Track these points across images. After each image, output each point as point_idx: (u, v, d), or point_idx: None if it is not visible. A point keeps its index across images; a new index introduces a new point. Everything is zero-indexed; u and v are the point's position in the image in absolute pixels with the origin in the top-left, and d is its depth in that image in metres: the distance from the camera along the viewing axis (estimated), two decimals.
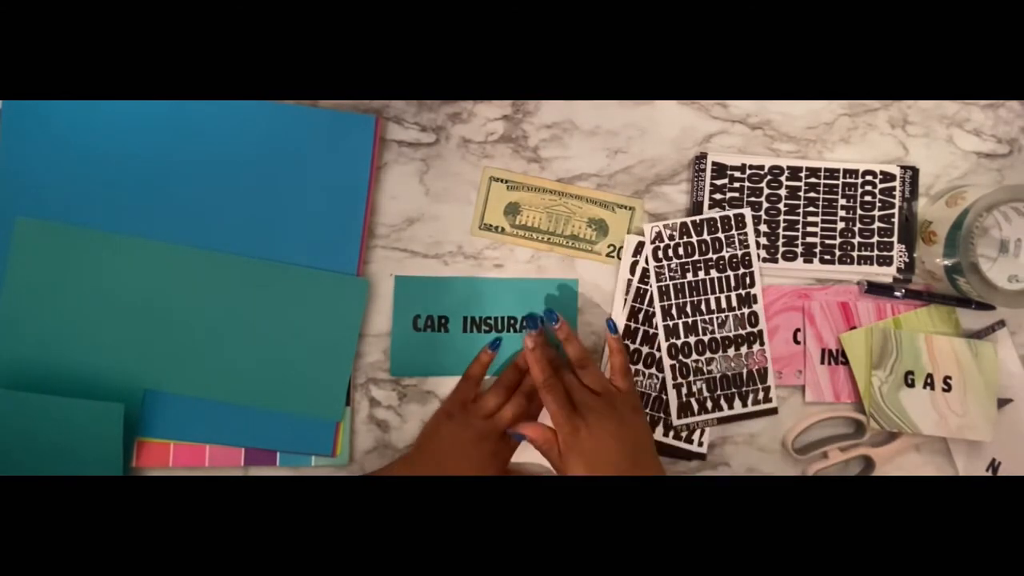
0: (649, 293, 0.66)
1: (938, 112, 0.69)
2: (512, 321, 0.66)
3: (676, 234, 0.65)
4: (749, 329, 0.66)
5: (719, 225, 0.66)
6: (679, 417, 0.66)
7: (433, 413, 0.65)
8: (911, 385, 0.66)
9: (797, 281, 0.68)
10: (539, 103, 0.67)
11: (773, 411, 0.66)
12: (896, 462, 0.68)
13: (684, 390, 0.66)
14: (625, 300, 0.66)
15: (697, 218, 0.66)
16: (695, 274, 0.66)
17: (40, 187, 0.63)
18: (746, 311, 0.66)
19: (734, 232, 0.66)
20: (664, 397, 0.66)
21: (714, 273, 0.66)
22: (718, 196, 0.67)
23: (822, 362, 0.67)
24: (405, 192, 0.67)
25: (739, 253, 0.66)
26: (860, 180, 0.67)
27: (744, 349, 0.66)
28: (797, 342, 0.67)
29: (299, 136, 0.64)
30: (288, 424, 0.64)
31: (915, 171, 0.67)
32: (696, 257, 0.66)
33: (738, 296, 0.66)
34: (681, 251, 0.66)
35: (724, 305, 0.66)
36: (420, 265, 0.66)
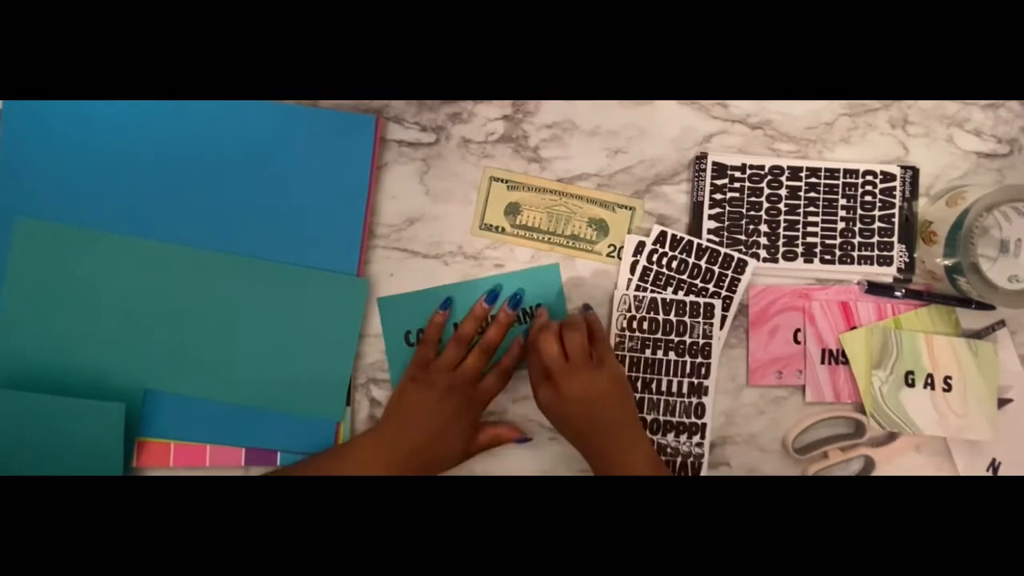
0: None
1: (938, 112, 0.69)
2: None
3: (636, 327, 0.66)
4: (693, 420, 0.66)
5: (675, 298, 0.66)
6: None
7: (426, 344, 0.64)
8: (911, 385, 0.66)
9: (797, 281, 0.68)
10: (539, 103, 0.67)
11: None
12: (896, 462, 0.68)
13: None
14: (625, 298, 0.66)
15: (645, 310, 0.66)
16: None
17: (40, 187, 0.63)
18: (695, 400, 0.66)
19: (700, 319, 0.66)
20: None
21: (673, 356, 0.66)
22: (718, 196, 0.67)
23: (822, 362, 0.67)
24: (405, 192, 0.67)
25: (700, 342, 0.66)
26: (860, 180, 0.67)
27: (683, 439, 0.66)
28: (797, 342, 0.67)
29: (299, 136, 0.64)
30: (288, 424, 0.64)
31: (915, 171, 0.67)
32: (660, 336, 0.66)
33: (689, 383, 0.66)
34: (646, 326, 0.66)
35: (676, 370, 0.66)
36: (420, 265, 0.66)
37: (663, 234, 0.66)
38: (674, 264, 0.66)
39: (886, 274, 0.67)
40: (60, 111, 0.63)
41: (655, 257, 0.66)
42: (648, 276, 0.66)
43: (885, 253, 0.67)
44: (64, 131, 0.63)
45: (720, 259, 0.66)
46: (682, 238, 0.66)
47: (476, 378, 0.63)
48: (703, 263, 0.66)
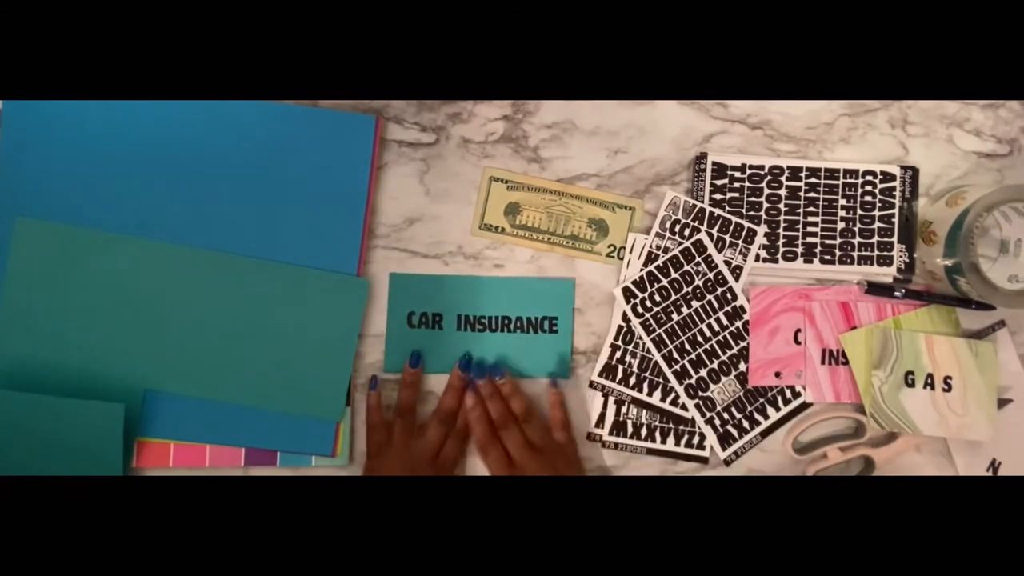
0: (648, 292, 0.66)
1: (938, 112, 0.69)
2: (506, 321, 0.66)
3: (647, 285, 0.65)
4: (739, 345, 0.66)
5: (682, 260, 0.66)
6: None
7: (373, 429, 0.64)
8: (911, 385, 0.66)
9: (797, 281, 0.68)
10: (539, 103, 0.67)
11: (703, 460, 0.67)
12: (896, 462, 0.68)
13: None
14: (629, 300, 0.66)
15: (660, 262, 0.66)
16: (679, 312, 0.66)
17: (40, 187, 0.63)
18: (739, 323, 0.66)
19: (699, 259, 0.66)
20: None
21: (695, 304, 0.66)
22: (718, 196, 0.67)
23: (822, 362, 0.67)
24: (405, 192, 0.67)
25: (711, 275, 0.66)
26: (860, 180, 0.67)
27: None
28: (797, 342, 0.67)
29: (299, 136, 0.64)
30: (288, 424, 0.64)
31: (915, 171, 0.67)
32: (674, 297, 0.66)
33: (725, 314, 0.66)
34: (657, 298, 0.66)
35: (717, 327, 0.66)
36: (420, 265, 0.66)
37: (630, 290, 0.66)
38: (656, 297, 0.66)
39: (886, 274, 0.67)
40: (60, 111, 0.63)
41: (639, 307, 0.66)
42: (655, 259, 0.66)
43: (885, 253, 0.67)
44: (64, 131, 0.63)
45: (682, 259, 0.66)
46: (643, 275, 0.66)
47: (436, 452, 0.63)
48: (674, 274, 0.66)
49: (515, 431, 0.62)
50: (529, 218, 0.67)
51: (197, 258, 0.63)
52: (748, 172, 0.67)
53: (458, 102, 0.67)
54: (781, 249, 0.67)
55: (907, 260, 0.67)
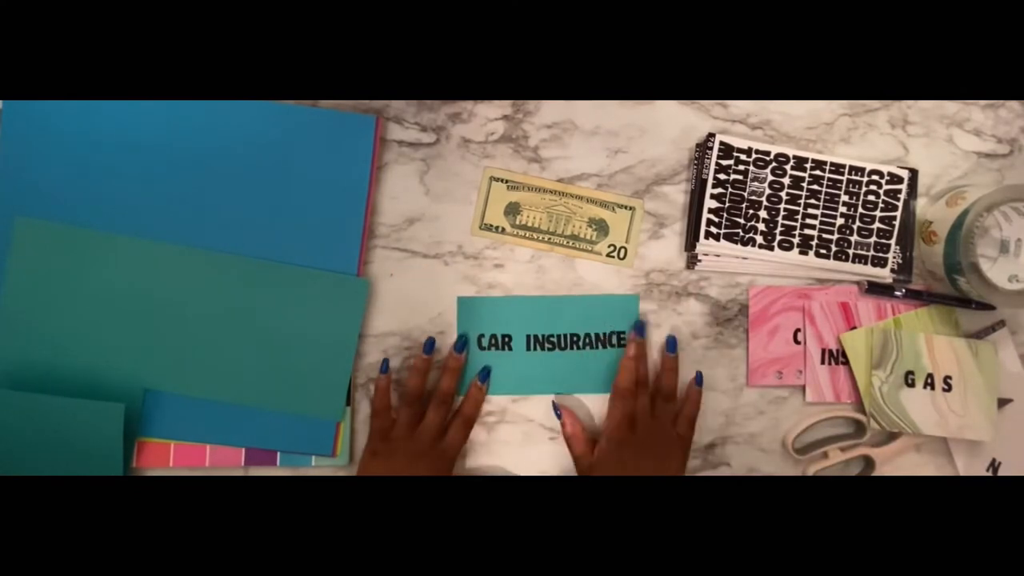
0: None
1: (938, 112, 0.68)
2: (575, 338, 0.66)
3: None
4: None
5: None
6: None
7: (377, 415, 0.63)
8: (911, 385, 0.66)
9: (797, 281, 0.68)
10: (539, 103, 0.67)
11: None
12: (896, 462, 0.68)
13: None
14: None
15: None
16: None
17: (40, 187, 0.63)
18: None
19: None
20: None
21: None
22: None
23: (822, 362, 0.67)
24: (405, 192, 0.67)
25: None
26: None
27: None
28: (797, 342, 0.67)
29: (299, 136, 0.64)
30: (288, 424, 0.64)
31: (913, 173, 0.67)
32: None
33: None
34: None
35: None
36: (420, 265, 0.66)
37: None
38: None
39: (879, 275, 0.67)
40: (60, 111, 0.63)
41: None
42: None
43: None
44: (64, 131, 0.63)
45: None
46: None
47: (439, 434, 0.62)
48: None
49: (647, 398, 0.62)
50: (529, 218, 0.67)
51: (197, 258, 0.63)
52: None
53: (458, 102, 0.67)
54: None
55: (900, 261, 0.67)
